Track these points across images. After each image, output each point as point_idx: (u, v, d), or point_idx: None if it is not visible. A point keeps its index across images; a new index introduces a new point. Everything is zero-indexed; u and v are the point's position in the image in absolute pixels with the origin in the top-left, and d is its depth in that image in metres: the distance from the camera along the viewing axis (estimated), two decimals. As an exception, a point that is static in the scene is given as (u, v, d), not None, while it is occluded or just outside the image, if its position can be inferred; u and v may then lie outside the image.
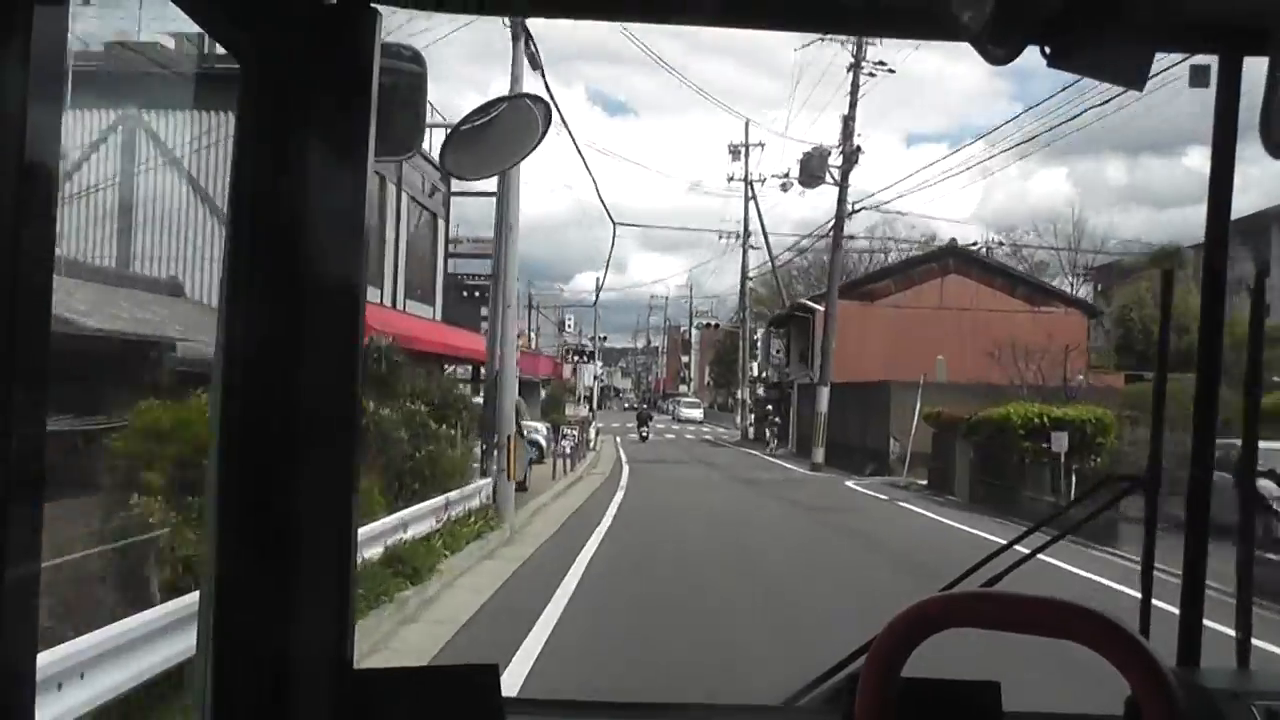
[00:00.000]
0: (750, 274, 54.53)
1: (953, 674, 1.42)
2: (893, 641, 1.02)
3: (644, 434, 43.42)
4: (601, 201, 29.92)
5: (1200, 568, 1.56)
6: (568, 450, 26.44)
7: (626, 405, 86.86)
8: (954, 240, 39.76)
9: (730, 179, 49.24)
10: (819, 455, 31.06)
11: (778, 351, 49.25)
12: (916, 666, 1.11)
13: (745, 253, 52.22)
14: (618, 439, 42.17)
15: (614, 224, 30.66)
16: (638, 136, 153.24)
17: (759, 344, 61.24)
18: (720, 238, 56.76)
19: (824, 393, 31.23)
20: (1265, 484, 1.67)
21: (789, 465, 32.28)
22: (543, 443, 25.92)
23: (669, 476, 25.93)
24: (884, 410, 28.40)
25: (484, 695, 1.43)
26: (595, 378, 63.81)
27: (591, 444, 35.70)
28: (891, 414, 27.88)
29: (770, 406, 38.21)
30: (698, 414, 69.39)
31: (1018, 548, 1.70)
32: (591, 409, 58.98)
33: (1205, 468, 1.54)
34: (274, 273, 1.22)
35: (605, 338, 75.81)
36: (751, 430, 48.95)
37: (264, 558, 1.23)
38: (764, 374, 55.99)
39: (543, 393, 43.26)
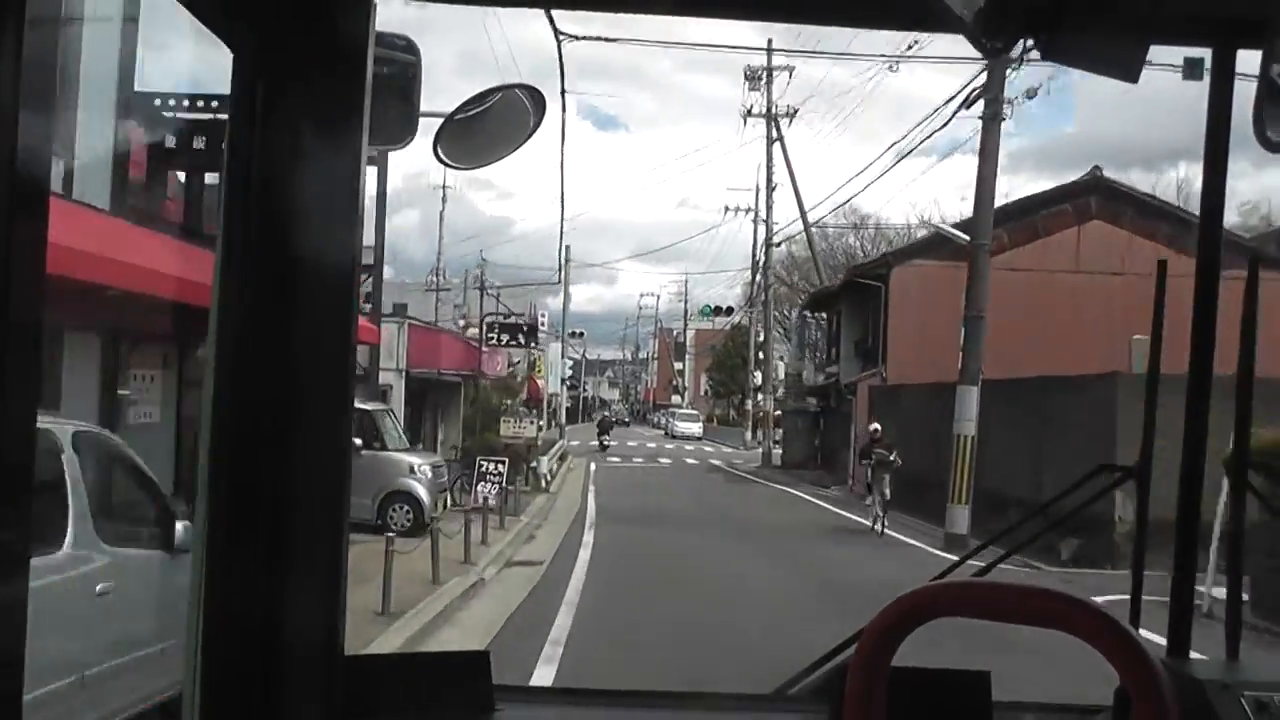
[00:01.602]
0: (759, 258, 46.30)
1: (944, 664, 1.56)
2: (882, 631, 1.11)
3: (604, 443, 48.96)
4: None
5: (1190, 559, 1.69)
6: (490, 502, 17.07)
7: (615, 419, 79.15)
8: (1097, 169, 29.84)
9: (747, 113, 40.60)
10: (959, 518, 18.15)
11: (821, 344, 39.89)
12: (908, 656, 1.25)
13: (769, 197, 42.60)
14: (592, 466, 35.55)
15: (558, 37, 20.58)
16: (628, 151, 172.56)
17: (788, 337, 53.11)
18: (725, 211, 52.13)
19: (969, 400, 18.69)
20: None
21: (898, 535, 19.02)
22: (423, 496, 16.00)
23: (681, 580, 13.10)
24: (1101, 431, 16.08)
25: (475, 681, 1.53)
26: (564, 381, 55.95)
27: (548, 481, 26.01)
28: (1119, 439, 15.27)
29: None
30: (696, 429, 68.17)
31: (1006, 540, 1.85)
32: (559, 424, 49.46)
33: (1197, 459, 1.67)
34: (267, 261, 1.37)
35: (582, 333, 70.19)
36: (778, 452, 41.38)
37: (255, 546, 1.35)
38: (792, 375, 46.62)
39: (490, 396, 30.15)
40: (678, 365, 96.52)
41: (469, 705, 1.52)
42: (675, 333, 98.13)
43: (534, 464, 24.62)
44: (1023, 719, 1.69)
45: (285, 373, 1.31)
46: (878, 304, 29.57)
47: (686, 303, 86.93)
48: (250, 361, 1.31)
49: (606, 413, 71.52)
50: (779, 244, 45.00)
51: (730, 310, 56.79)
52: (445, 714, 1.53)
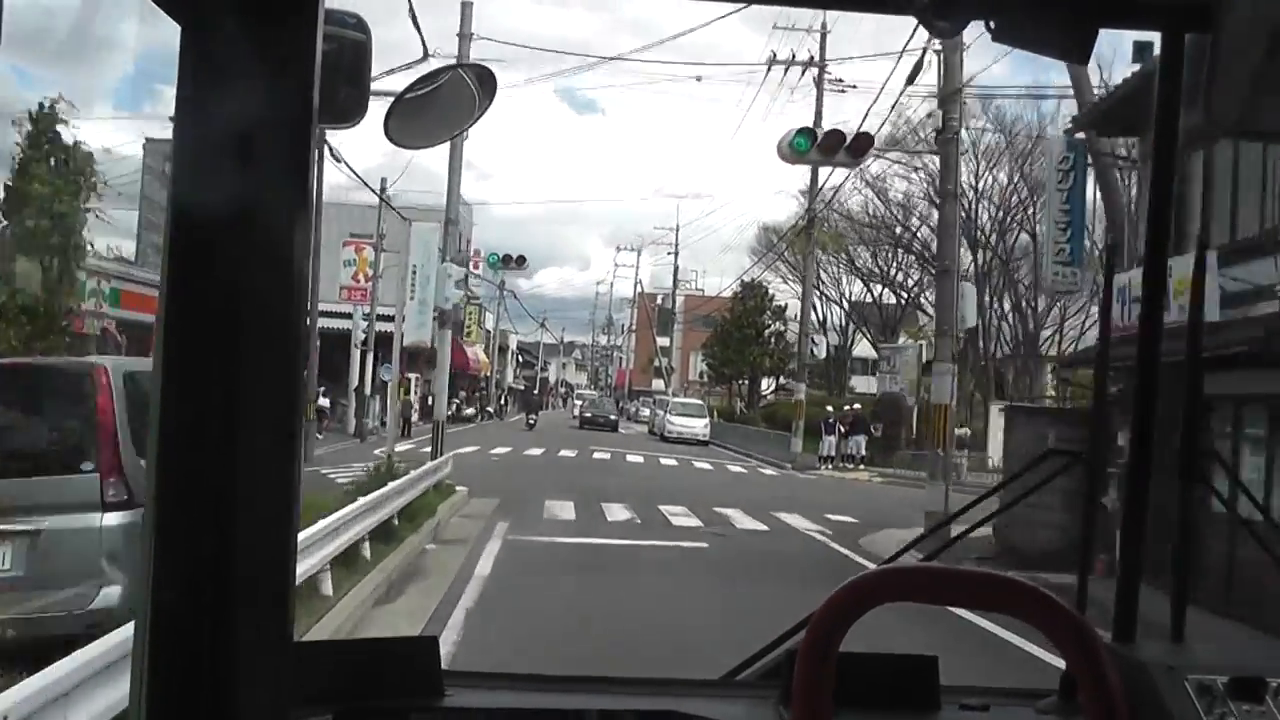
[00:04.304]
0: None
1: (895, 649, 1.73)
2: (830, 616, 1.20)
3: (531, 422, 51.59)
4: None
5: (1137, 544, 1.84)
6: None
7: (586, 414, 62.00)
8: None
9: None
10: None
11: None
12: (860, 642, 1.34)
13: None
14: (484, 562, 14.54)
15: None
16: (605, 135, 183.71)
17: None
18: (768, 68, 36.87)
19: None
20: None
21: None
22: None
23: None
24: None
25: (424, 666, 1.71)
26: (438, 315, 26.08)
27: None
28: None
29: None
30: (701, 428, 48.79)
31: (957, 524, 2.05)
32: (439, 420, 25.24)
33: (1145, 445, 1.80)
34: (215, 246, 1.47)
35: (523, 258, 42.52)
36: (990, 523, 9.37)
37: (204, 534, 1.46)
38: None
39: None
40: (662, 341, 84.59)
41: (418, 690, 1.68)
42: (661, 299, 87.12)
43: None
44: (969, 703, 1.85)
45: (234, 362, 1.44)
46: None
47: (677, 254, 77.20)
48: (198, 349, 1.44)
49: (535, 393, 71.83)
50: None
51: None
52: (395, 699, 1.69)
